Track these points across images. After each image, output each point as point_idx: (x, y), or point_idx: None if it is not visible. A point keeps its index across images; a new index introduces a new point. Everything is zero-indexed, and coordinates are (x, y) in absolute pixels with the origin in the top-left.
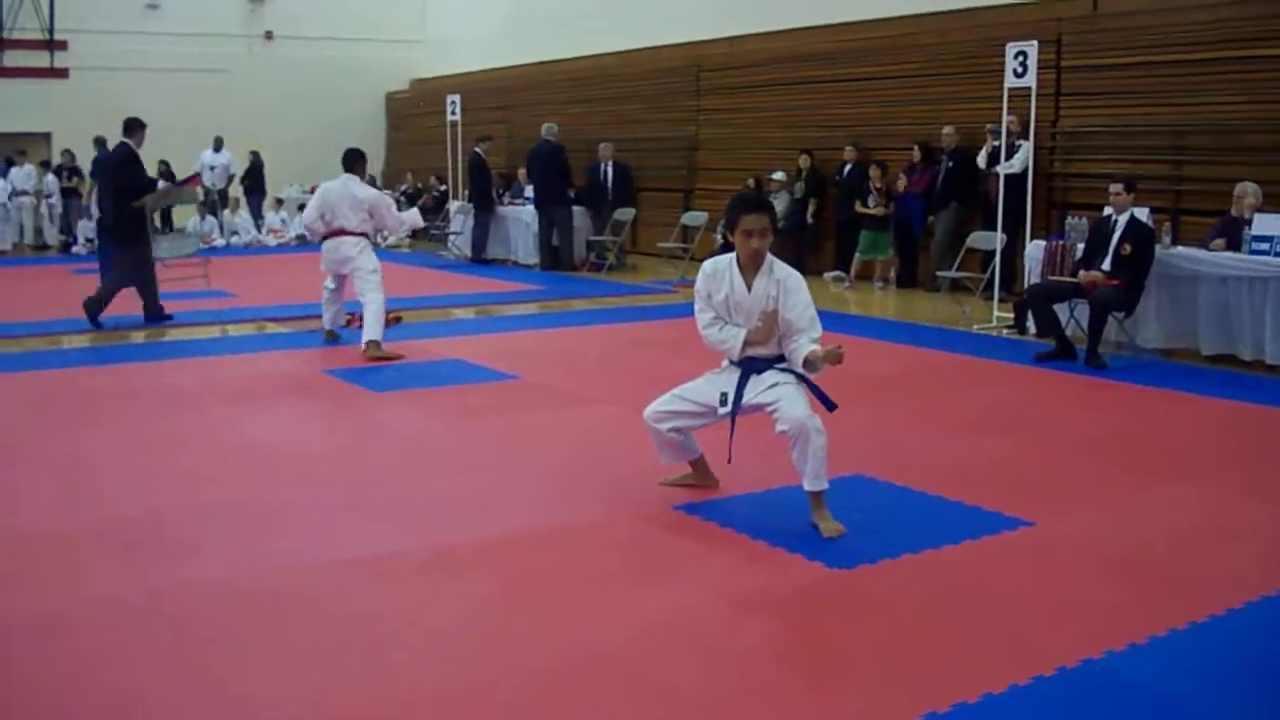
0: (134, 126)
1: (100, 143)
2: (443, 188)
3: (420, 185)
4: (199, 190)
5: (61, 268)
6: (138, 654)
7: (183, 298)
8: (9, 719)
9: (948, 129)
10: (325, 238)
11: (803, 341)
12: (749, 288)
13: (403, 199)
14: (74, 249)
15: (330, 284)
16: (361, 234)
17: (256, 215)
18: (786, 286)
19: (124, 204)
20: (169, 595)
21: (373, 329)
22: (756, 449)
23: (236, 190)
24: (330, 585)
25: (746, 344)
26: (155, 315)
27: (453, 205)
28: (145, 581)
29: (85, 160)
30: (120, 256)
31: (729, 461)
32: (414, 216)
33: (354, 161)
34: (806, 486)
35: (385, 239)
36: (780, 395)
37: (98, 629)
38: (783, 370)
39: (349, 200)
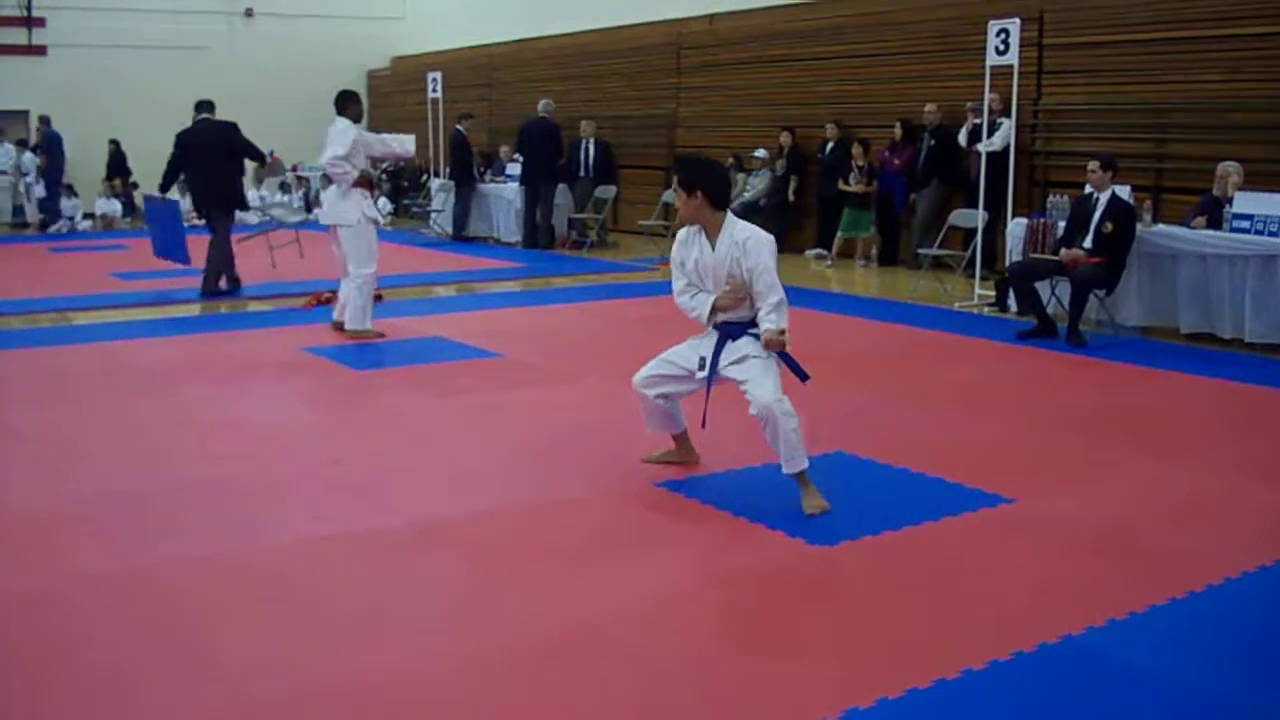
0: (211, 105)
1: (205, 110)
2: (418, 163)
3: (401, 163)
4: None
5: (39, 246)
6: (122, 629)
7: (161, 276)
8: None
9: (930, 107)
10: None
11: (763, 312)
12: (714, 248)
13: (384, 176)
14: (53, 228)
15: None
16: (349, 180)
17: None
18: (745, 249)
19: (236, 177)
20: (151, 572)
21: (355, 316)
22: (738, 426)
23: None
24: (313, 561)
25: (715, 310)
26: (234, 286)
27: (434, 183)
28: (127, 558)
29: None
30: (224, 227)
31: (703, 426)
32: (406, 144)
33: (343, 103)
34: (784, 470)
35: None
36: (749, 374)
37: (81, 605)
38: (756, 337)
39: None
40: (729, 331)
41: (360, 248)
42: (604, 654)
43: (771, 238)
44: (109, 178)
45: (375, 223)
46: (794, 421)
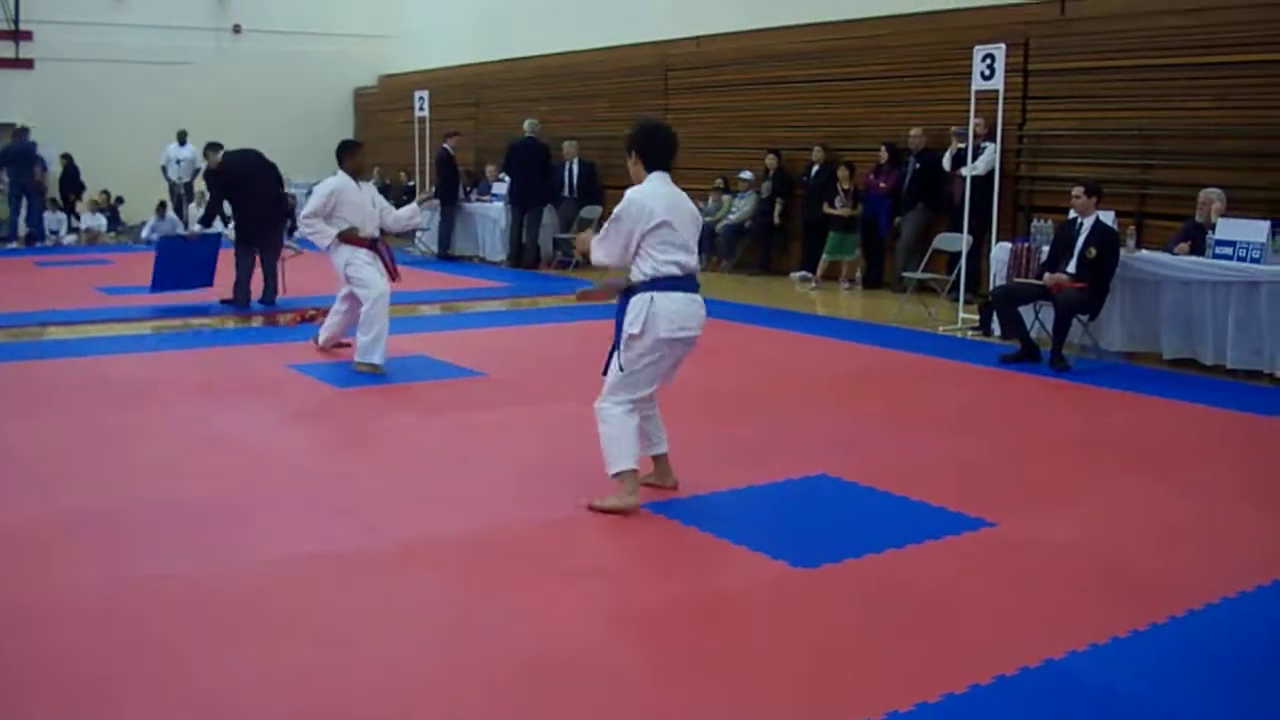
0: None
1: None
2: (410, 183)
3: (388, 181)
4: None
5: (25, 260)
6: (103, 646)
7: (148, 292)
8: None
9: (915, 130)
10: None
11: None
12: None
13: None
14: (42, 241)
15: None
16: (324, 242)
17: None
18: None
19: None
20: (135, 589)
21: (364, 348)
22: (717, 448)
23: (201, 185)
24: (297, 580)
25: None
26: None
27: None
28: (111, 575)
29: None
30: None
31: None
32: (413, 213)
33: (340, 155)
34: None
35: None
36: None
37: (65, 621)
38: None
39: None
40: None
41: (356, 278)
42: (583, 676)
43: (637, 194)
44: (62, 193)
45: (370, 265)
46: (604, 428)
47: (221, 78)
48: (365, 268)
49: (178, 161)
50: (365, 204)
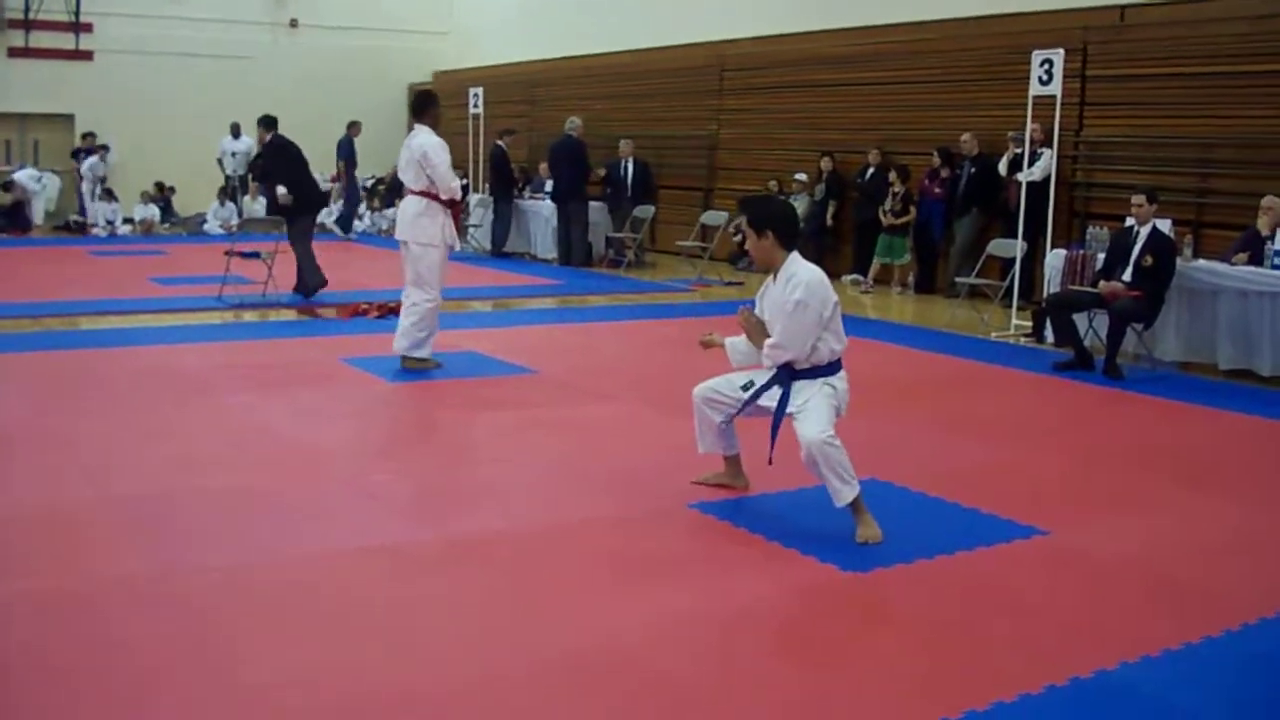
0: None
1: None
2: (464, 180)
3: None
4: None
5: (80, 249)
6: (152, 635)
7: (200, 282)
8: (26, 694)
9: (965, 136)
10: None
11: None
12: (775, 283)
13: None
14: (94, 230)
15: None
16: (424, 194)
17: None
18: (790, 284)
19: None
20: (184, 579)
21: (413, 343)
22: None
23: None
24: (346, 574)
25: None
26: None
27: (473, 198)
28: (159, 564)
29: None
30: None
31: (770, 463)
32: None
33: (421, 108)
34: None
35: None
36: (803, 410)
37: (113, 609)
38: (810, 381)
39: (405, 152)
40: (789, 374)
41: (422, 271)
42: (631, 675)
43: (817, 278)
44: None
45: (451, 248)
46: (838, 453)
47: (277, 72)
48: (441, 268)
49: (233, 154)
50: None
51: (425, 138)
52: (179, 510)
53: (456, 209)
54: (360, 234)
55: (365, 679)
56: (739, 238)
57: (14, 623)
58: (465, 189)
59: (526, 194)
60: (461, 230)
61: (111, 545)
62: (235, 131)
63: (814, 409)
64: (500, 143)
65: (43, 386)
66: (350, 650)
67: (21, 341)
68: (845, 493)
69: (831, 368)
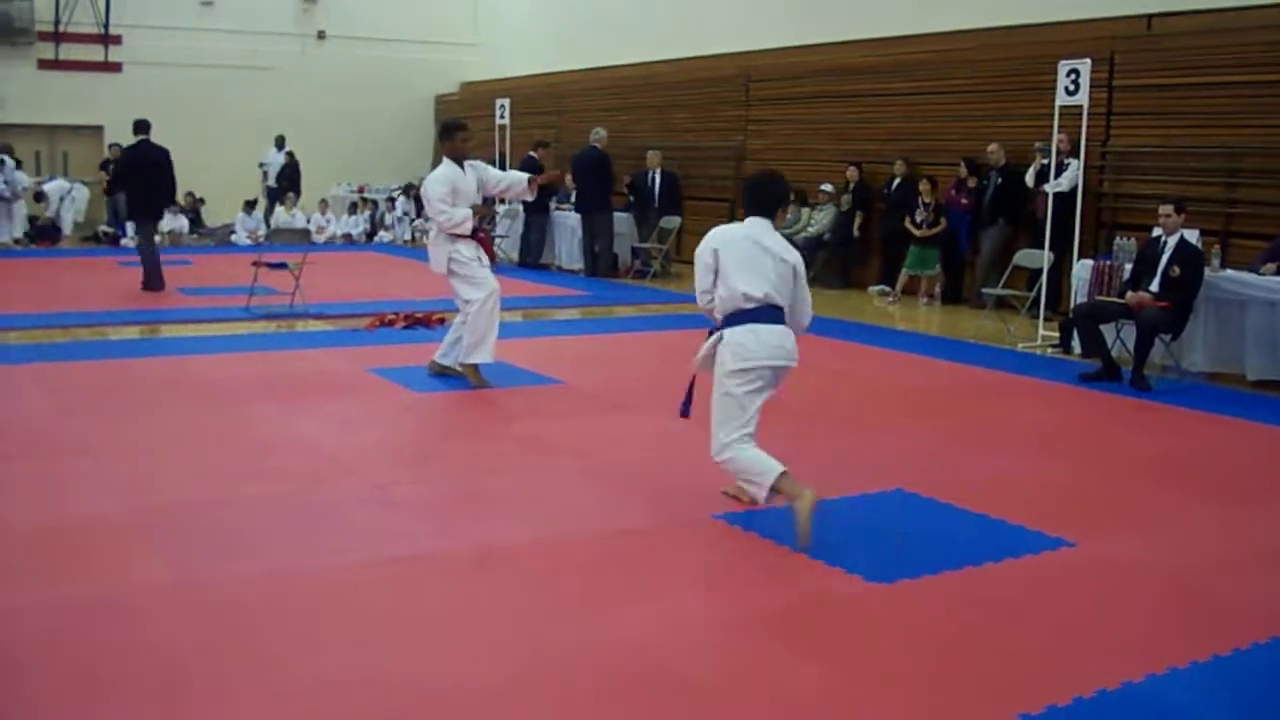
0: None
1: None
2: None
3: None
4: None
5: (109, 259)
6: (186, 642)
7: (228, 293)
8: (65, 697)
9: (992, 146)
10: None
11: None
12: None
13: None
14: (122, 241)
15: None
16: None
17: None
18: None
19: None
20: (215, 585)
21: (468, 349)
22: (795, 462)
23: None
24: (374, 582)
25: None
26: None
27: (500, 208)
28: (192, 571)
29: None
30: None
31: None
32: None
33: (442, 135)
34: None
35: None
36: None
37: (146, 616)
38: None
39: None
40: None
41: (456, 284)
42: (654, 682)
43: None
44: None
45: (476, 261)
46: (736, 464)
47: (305, 83)
48: (471, 263)
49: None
50: (470, 192)
51: (435, 171)
52: (209, 519)
53: (483, 238)
54: (384, 245)
55: (396, 686)
56: None
57: (50, 630)
58: (490, 202)
59: (553, 204)
60: (490, 247)
61: (144, 553)
62: (279, 144)
63: (713, 421)
64: (534, 154)
65: (72, 396)
66: (381, 658)
67: (52, 351)
68: (759, 493)
69: (729, 320)
